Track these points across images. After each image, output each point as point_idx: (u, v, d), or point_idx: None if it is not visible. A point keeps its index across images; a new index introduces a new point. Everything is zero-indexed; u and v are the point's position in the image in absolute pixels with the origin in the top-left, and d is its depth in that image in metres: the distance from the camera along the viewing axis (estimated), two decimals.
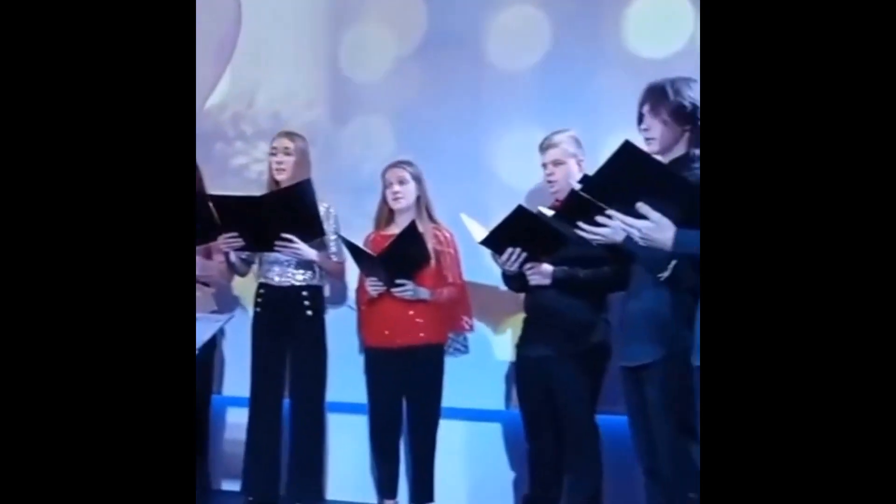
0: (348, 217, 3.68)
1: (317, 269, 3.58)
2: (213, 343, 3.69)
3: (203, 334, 2.58)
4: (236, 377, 3.80)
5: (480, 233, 2.98)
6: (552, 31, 3.63)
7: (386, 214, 3.49)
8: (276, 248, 3.39)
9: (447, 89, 3.76)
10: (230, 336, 3.86)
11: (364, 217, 3.59)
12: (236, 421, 3.81)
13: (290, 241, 3.35)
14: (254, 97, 4.13)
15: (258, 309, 3.59)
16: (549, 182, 3.17)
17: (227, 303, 3.86)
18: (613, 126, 3.02)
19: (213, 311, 3.57)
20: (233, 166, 4.11)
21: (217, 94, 4.17)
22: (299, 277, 3.56)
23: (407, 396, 3.44)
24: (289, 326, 3.55)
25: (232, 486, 3.79)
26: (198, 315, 2.66)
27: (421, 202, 3.43)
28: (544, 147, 3.18)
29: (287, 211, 3.31)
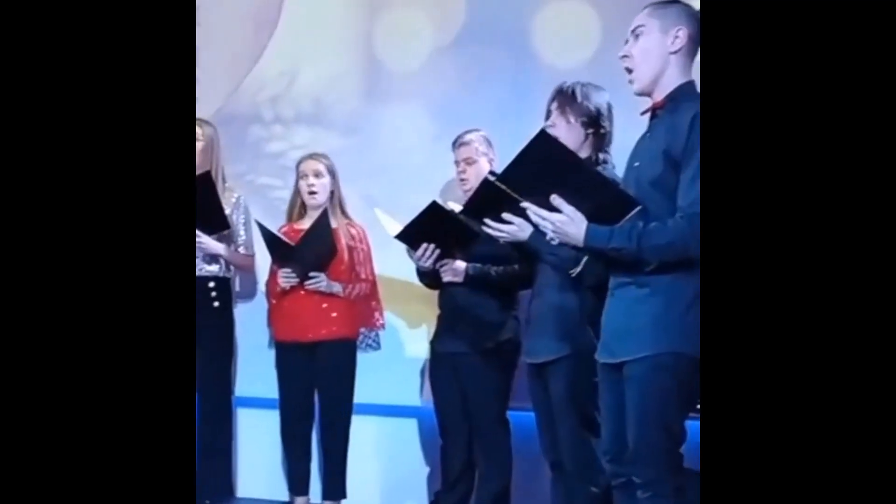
0: (384, 204, 3.42)
1: (223, 262, 3.52)
2: None
3: None
4: None
5: (394, 228, 2.99)
6: (601, 28, 3.50)
7: (299, 207, 3.46)
8: None
9: (488, 81, 3.63)
10: None
11: (398, 206, 3.29)
12: None
13: None
14: (295, 79, 3.91)
15: None
16: (462, 180, 3.20)
17: None
18: None
19: None
20: (268, 151, 3.89)
21: (256, 72, 3.94)
22: (205, 269, 3.48)
23: (318, 391, 3.43)
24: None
25: None
26: None
27: (335, 197, 3.42)
28: (456, 145, 3.21)
29: None
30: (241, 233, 3.53)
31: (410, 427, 3.72)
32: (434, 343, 3.32)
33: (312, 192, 3.38)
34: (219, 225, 3.35)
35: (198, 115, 3.82)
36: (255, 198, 3.78)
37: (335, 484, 3.44)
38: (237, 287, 3.69)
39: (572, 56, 3.50)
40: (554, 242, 2.19)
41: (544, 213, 2.09)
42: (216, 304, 3.49)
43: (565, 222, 2.07)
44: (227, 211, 3.41)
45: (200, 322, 3.43)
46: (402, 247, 3.11)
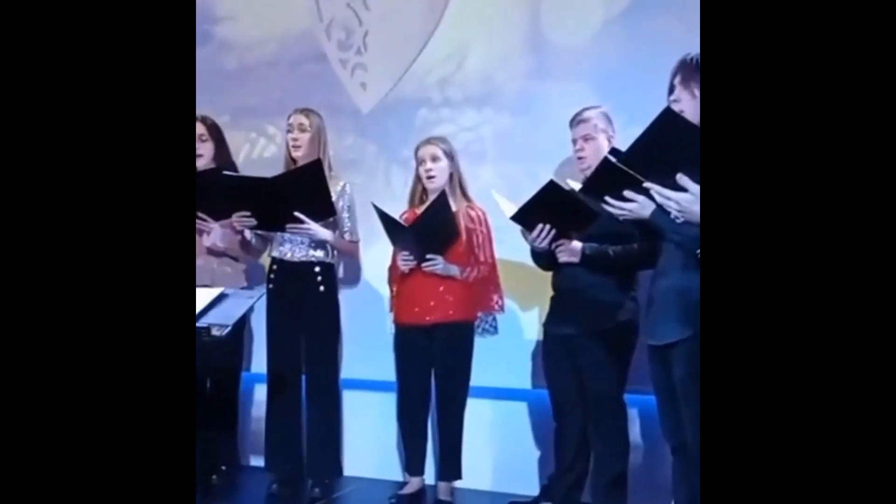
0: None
1: (329, 248, 3.58)
2: (242, 320, 3.72)
3: (234, 311, 2.59)
4: (262, 354, 3.81)
5: (510, 209, 2.97)
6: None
7: (419, 192, 3.49)
8: (289, 231, 3.41)
9: (660, 54, 3.30)
10: (258, 312, 3.89)
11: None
12: (263, 398, 3.83)
13: (302, 222, 3.36)
14: (463, 60, 3.86)
15: (271, 285, 3.61)
16: (579, 158, 3.15)
17: (258, 279, 3.87)
18: None
19: (244, 288, 3.59)
20: (436, 135, 3.74)
21: (424, 56, 3.91)
22: (312, 253, 3.57)
23: (436, 374, 3.44)
24: (302, 302, 3.56)
25: (261, 461, 3.81)
26: (228, 291, 2.68)
27: (454, 179, 3.42)
28: (574, 122, 3.15)
29: (299, 192, 3.33)
30: (346, 220, 3.58)
31: (521, 410, 3.71)
32: (548, 325, 3.29)
33: (430, 177, 3.39)
34: (325, 212, 3.41)
35: (361, 103, 3.96)
36: None
37: (450, 465, 3.47)
38: (341, 273, 3.75)
39: None
40: (678, 221, 2.13)
41: (669, 192, 2.04)
42: (321, 288, 3.56)
43: (691, 201, 2.02)
44: (333, 198, 3.47)
45: (307, 306, 3.55)
46: (515, 228, 3.10)
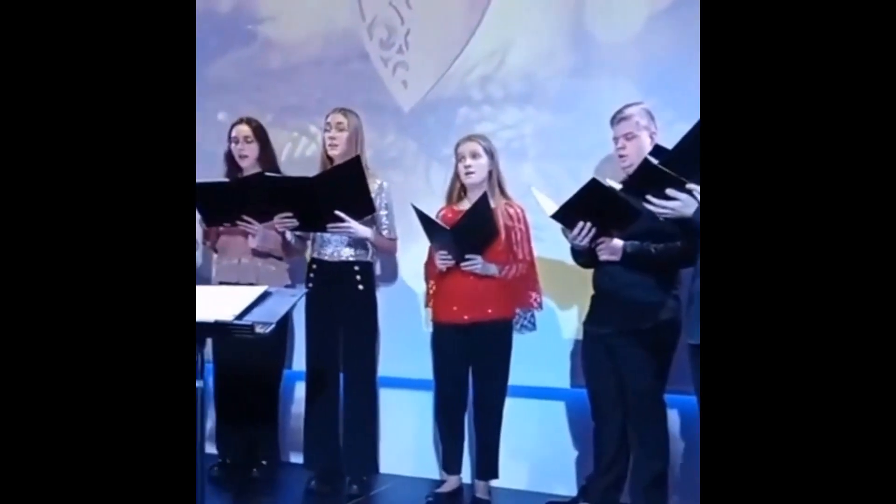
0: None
1: (369, 246, 3.61)
2: (285, 318, 3.75)
3: (278, 309, 2.61)
4: (303, 352, 3.84)
5: (551, 207, 2.96)
6: None
7: (458, 189, 3.48)
8: (330, 230, 3.44)
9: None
10: (298, 311, 3.91)
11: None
12: (303, 395, 3.86)
13: (342, 220, 3.38)
14: (505, 58, 3.83)
15: (311, 284, 3.63)
16: (621, 157, 3.13)
17: (300, 277, 3.91)
18: None
19: (287, 286, 3.63)
20: (476, 133, 3.70)
21: (465, 54, 3.90)
22: (350, 253, 3.59)
23: (474, 372, 3.44)
24: (341, 301, 3.59)
25: (300, 458, 3.84)
26: (272, 290, 2.71)
27: (493, 177, 3.41)
28: (616, 120, 3.14)
29: (338, 190, 3.35)
30: (384, 218, 3.60)
31: (559, 409, 3.70)
32: (587, 324, 3.28)
33: (469, 173, 3.39)
34: (365, 209, 3.44)
35: (402, 101, 3.98)
36: None
37: (488, 464, 3.46)
38: (378, 271, 3.77)
39: None
40: None
41: None
42: (361, 287, 3.59)
43: None
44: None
45: (346, 305, 3.58)
46: (553, 226, 3.09)
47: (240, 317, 2.50)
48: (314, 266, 3.65)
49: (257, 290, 2.65)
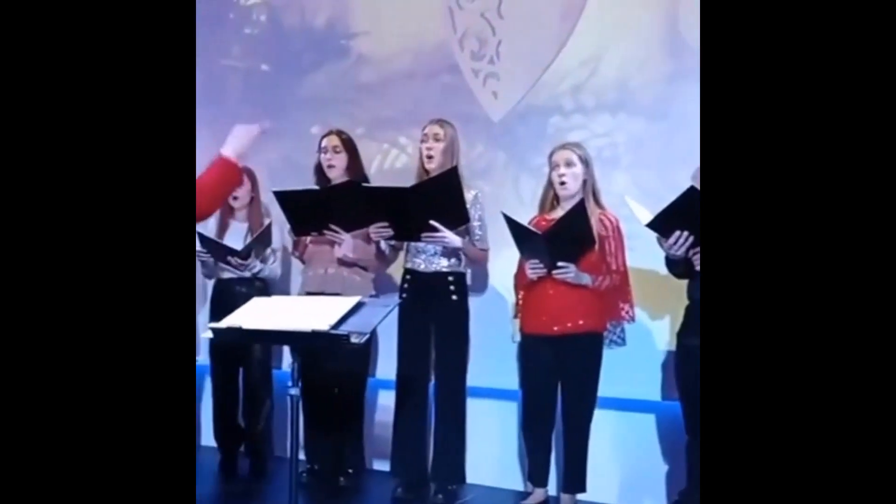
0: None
1: (462, 257, 3.62)
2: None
3: (372, 319, 2.63)
4: (387, 361, 3.89)
5: (645, 215, 2.93)
6: None
7: (551, 198, 3.45)
8: (424, 239, 3.47)
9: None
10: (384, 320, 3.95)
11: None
12: (387, 403, 3.90)
13: (437, 230, 3.41)
14: (597, 67, 3.82)
15: (404, 294, 3.66)
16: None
17: (385, 287, 3.95)
18: None
19: (372, 296, 3.67)
20: (571, 141, 3.62)
21: (557, 63, 3.89)
22: (444, 263, 3.62)
23: (562, 385, 3.40)
24: (434, 311, 3.61)
25: (384, 466, 3.87)
26: (365, 300, 2.74)
27: (588, 186, 3.37)
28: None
29: (434, 200, 3.38)
30: (477, 228, 3.61)
31: (649, 422, 3.65)
32: (682, 335, 3.22)
33: (563, 182, 3.36)
34: (460, 219, 3.46)
35: (492, 112, 4.00)
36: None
37: (575, 477, 3.42)
38: (469, 281, 3.78)
39: None
40: None
41: None
42: (454, 297, 3.61)
43: None
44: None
45: (439, 315, 3.60)
46: (646, 235, 3.06)
47: (335, 326, 2.53)
48: (408, 276, 3.69)
49: (352, 301, 2.68)
